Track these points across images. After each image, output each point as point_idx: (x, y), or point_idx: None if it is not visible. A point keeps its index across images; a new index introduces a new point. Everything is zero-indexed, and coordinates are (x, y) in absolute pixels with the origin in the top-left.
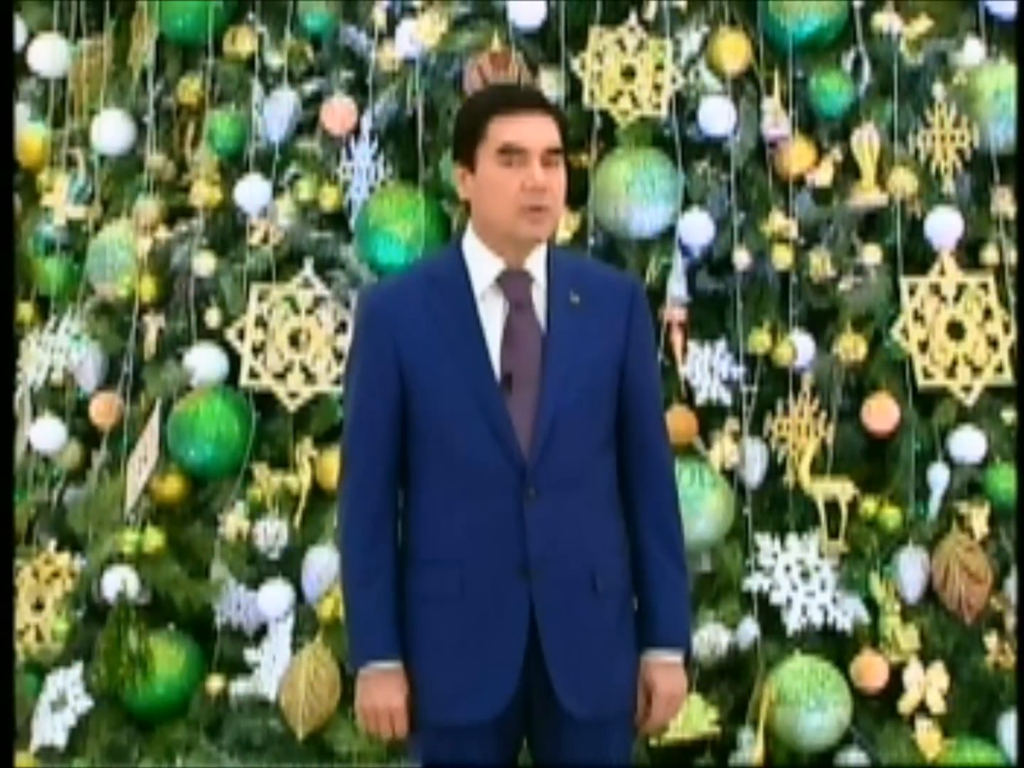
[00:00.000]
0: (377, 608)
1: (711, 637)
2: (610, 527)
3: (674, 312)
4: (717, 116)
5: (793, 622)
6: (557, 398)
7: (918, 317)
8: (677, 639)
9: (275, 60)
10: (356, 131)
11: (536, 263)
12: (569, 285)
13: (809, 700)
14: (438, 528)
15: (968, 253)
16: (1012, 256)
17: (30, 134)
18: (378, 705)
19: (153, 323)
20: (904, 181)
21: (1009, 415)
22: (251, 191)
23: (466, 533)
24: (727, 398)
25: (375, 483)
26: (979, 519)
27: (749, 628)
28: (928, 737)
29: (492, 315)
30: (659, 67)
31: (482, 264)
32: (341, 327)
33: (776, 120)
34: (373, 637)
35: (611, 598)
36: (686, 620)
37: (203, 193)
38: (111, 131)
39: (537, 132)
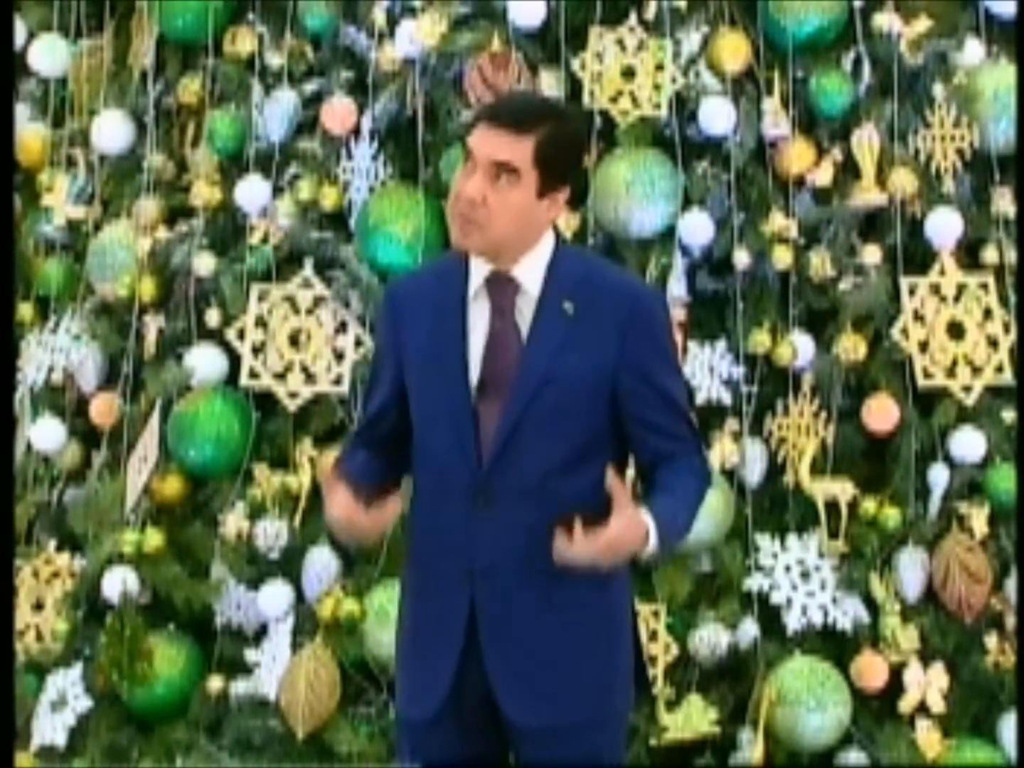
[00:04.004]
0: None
1: (711, 637)
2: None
3: (674, 312)
4: (717, 116)
5: (793, 622)
6: (522, 408)
7: (918, 317)
8: (660, 520)
9: (275, 60)
10: (356, 131)
11: (527, 270)
12: (566, 294)
13: (809, 700)
14: (415, 525)
15: (968, 253)
16: (1012, 256)
17: (30, 134)
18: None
19: (153, 323)
20: (904, 181)
21: (1009, 415)
22: (251, 191)
23: (428, 532)
24: (727, 398)
25: (370, 436)
26: (979, 519)
27: (749, 628)
28: (928, 737)
29: (479, 319)
30: (659, 67)
31: (477, 266)
32: (341, 327)
33: (776, 120)
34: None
35: (573, 612)
36: (675, 525)
37: (203, 193)
38: (111, 131)
39: (490, 143)
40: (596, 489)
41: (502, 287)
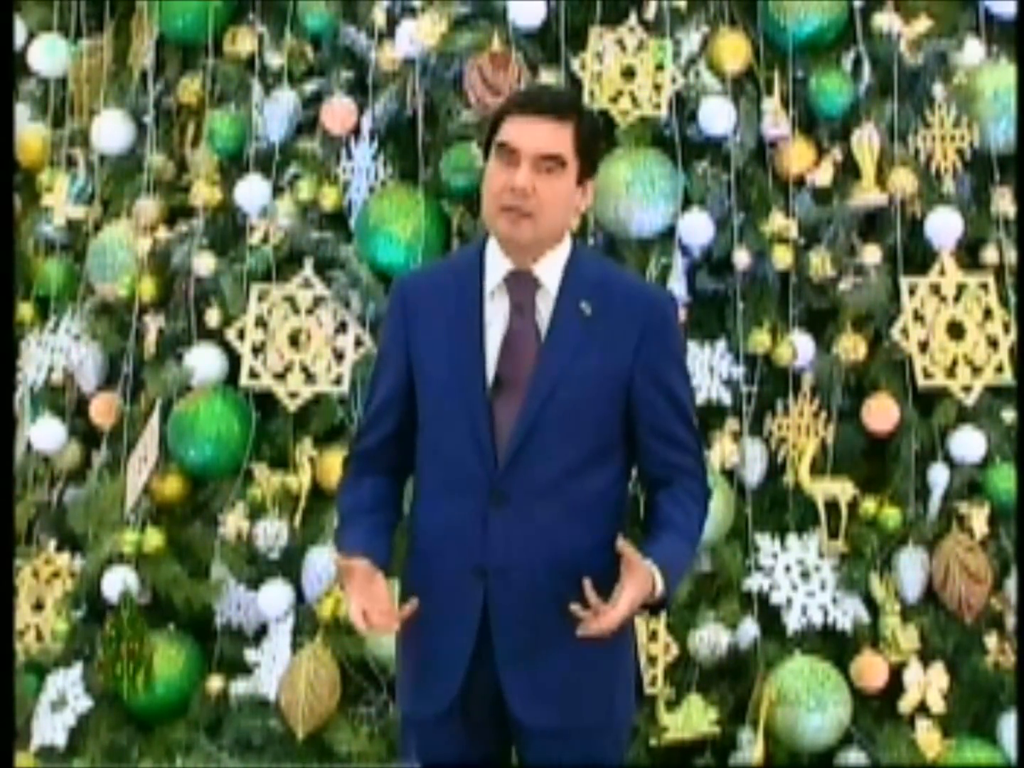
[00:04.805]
0: (347, 529)
1: (711, 637)
2: (594, 537)
3: None
4: (717, 116)
5: (793, 622)
6: (539, 407)
7: (918, 317)
8: (666, 566)
9: (275, 60)
10: (356, 131)
11: (548, 268)
12: (584, 294)
13: (809, 700)
14: (420, 519)
15: (968, 253)
16: (1012, 256)
17: (30, 134)
18: (350, 605)
19: (153, 323)
20: (904, 181)
21: (1009, 415)
22: (251, 191)
23: (436, 529)
24: (727, 398)
25: (373, 437)
26: (979, 519)
27: (749, 628)
28: (928, 737)
29: (497, 316)
30: (659, 67)
31: (495, 263)
32: (341, 327)
33: (776, 120)
34: (341, 544)
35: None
36: (679, 568)
37: (203, 193)
38: (111, 131)
39: (533, 136)
40: (608, 490)
41: (522, 284)
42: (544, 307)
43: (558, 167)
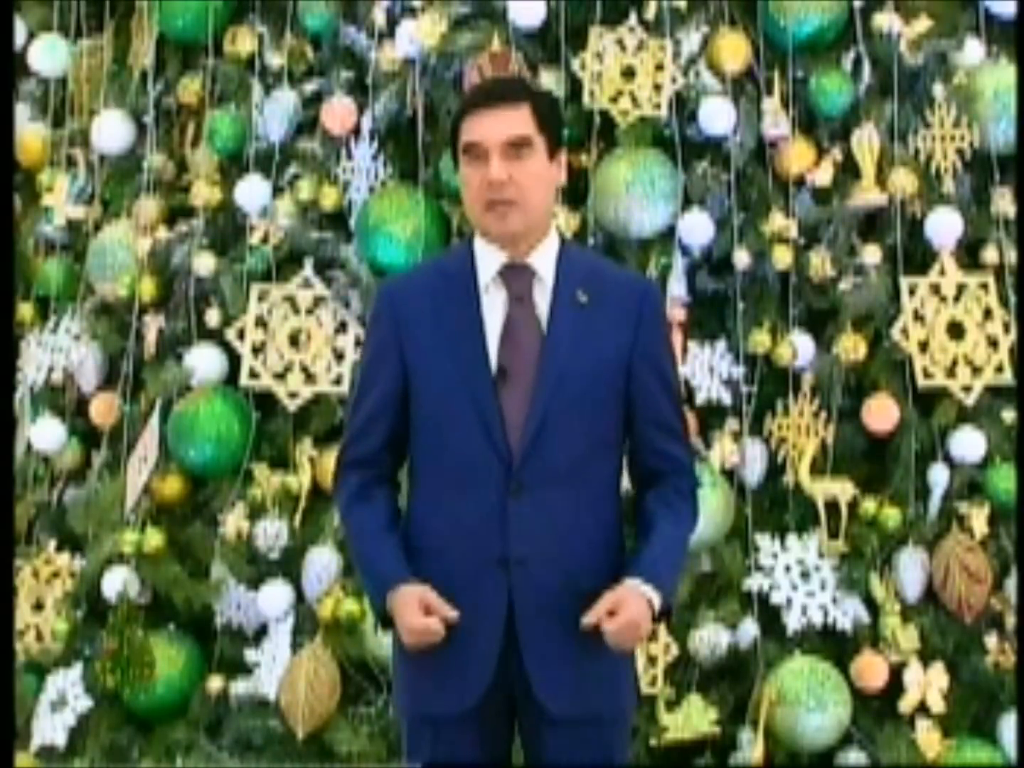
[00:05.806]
0: (382, 550)
1: (711, 637)
2: (602, 527)
3: (674, 312)
4: (717, 116)
5: (793, 622)
6: (549, 396)
7: (918, 317)
8: (656, 577)
9: (275, 60)
10: (356, 131)
11: (542, 258)
12: (578, 284)
13: (809, 700)
14: (428, 518)
15: (968, 253)
16: (1012, 256)
17: (30, 134)
18: (410, 624)
19: (153, 323)
20: (904, 181)
21: (1009, 415)
22: (251, 191)
23: (451, 524)
24: (727, 398)
25: (368, 444)
26: (979, 519)
27: (749, 628)
28: (928, 737)
29: (494, 309)
30: (659, 67)
31: (487, 257)
32: (341, 327)
33: (776, 120)
34: (386, 572)
35: (596, 601)
36: (671, 573)
37: (203, 193)
38: (111, 131)
39: (493, 127)
40: (612, 479)
41: (519, 275)
42: (541, 297)
43: (526, 148)
